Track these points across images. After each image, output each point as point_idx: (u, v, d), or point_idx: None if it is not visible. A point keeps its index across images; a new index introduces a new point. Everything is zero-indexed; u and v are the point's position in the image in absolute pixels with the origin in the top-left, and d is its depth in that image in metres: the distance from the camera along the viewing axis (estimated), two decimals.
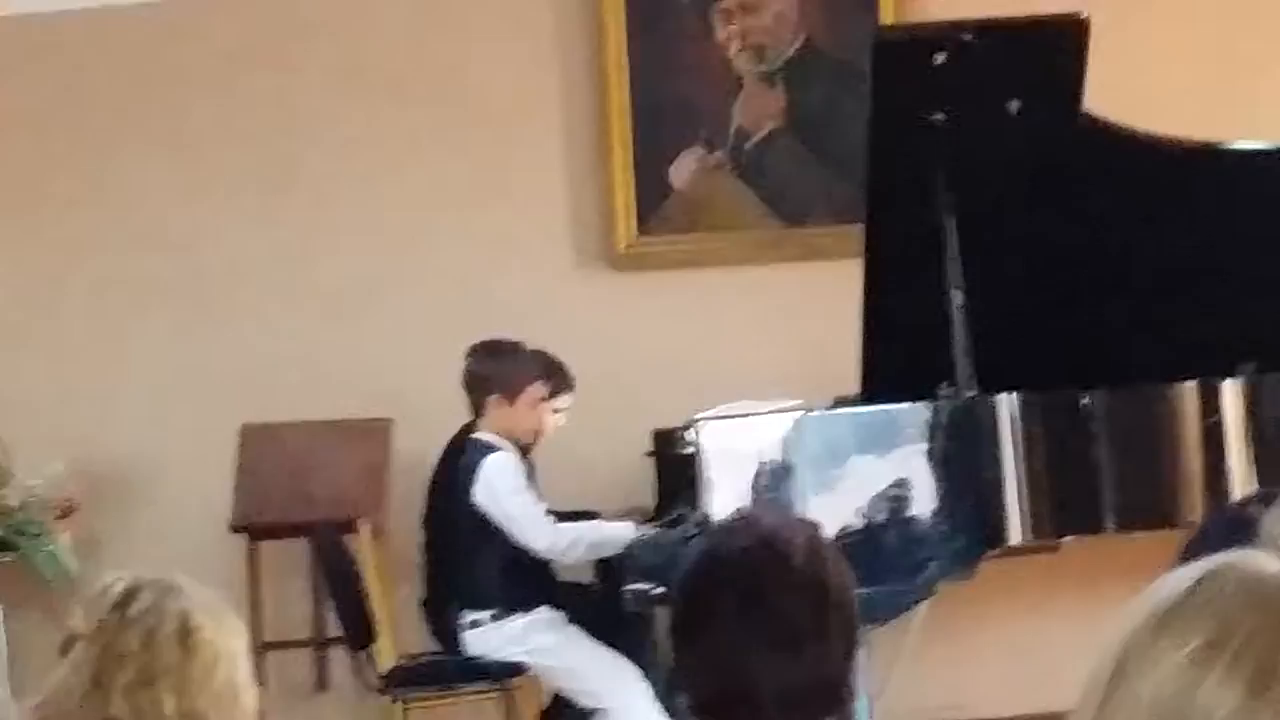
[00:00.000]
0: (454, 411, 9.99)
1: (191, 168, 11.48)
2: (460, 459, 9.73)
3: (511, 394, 9.64)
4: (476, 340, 9.88)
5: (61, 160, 11.47)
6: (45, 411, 11.14)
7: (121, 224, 11.45)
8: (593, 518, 10.01)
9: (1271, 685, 2.26)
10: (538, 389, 9.65)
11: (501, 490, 9.46)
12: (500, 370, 9.70)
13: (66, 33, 11.43)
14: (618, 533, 9.62)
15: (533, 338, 9.92)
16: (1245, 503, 4.65)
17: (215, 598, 4.07)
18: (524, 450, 9.72)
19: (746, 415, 8.69)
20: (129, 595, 3.97)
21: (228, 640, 3.98)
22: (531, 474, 9.68)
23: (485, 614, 9.60)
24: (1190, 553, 3.04)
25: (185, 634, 3.92)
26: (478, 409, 9.73)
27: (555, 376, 9.76)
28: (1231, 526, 3.45)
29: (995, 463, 8.26)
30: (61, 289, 11.45)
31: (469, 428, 9.81)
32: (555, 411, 9.91)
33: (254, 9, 11.50)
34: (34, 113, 11.49)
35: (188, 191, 11.46)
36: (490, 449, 9.55)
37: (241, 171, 11.48)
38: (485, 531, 9.48)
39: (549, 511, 9.62)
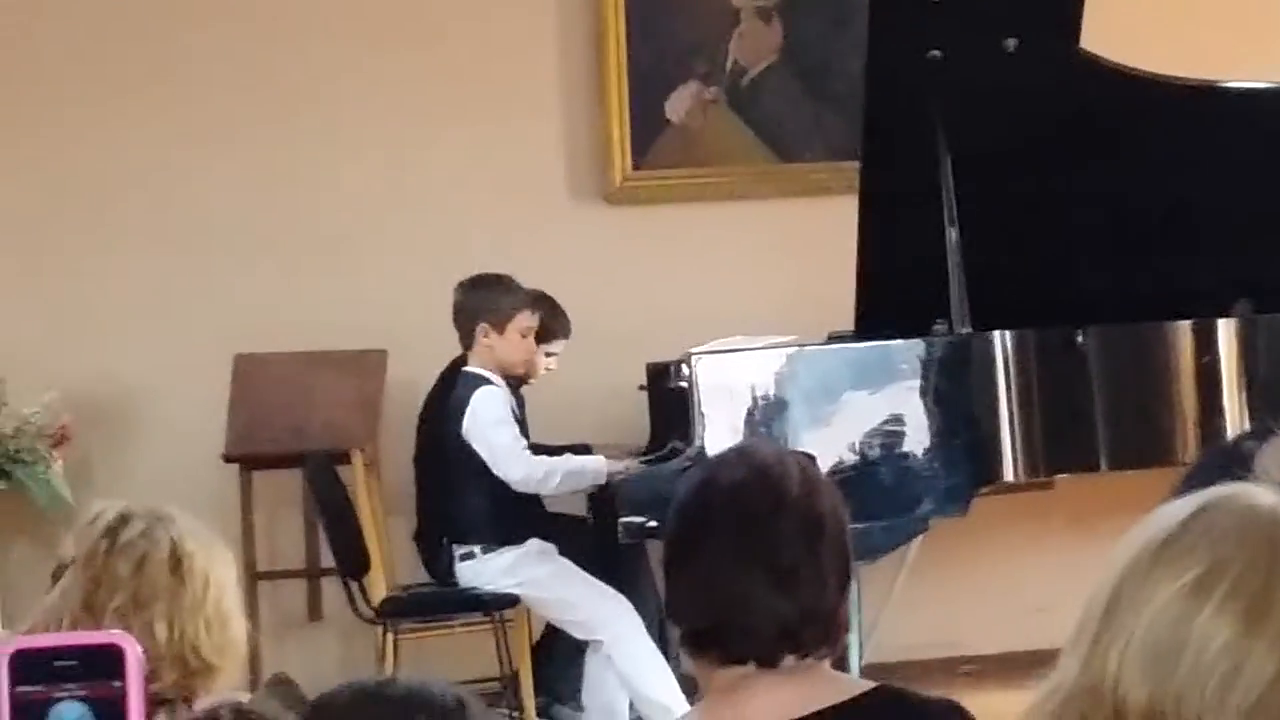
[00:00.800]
0: (447, 344, 10.00)
1: (187, 105, 11.48)
2: (451, 392, 9.73)
3: (499, 323, 9.66)
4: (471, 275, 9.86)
5: (57, 97, 11.44)
6: (39, 341, 11.14)
7: (116, 160, 11.44)
8: (586, 451, 10.00)
9: (1267, 617, 2.28)
10: (525, 318, 9.69)
11: (485, 420, 9.50)
12: (488, 300, 9.70)
13: None
14: (592, 465, 9.67)
15: (527, 272, 9.96)
16: (1240, 438, 4.65)
17: (205, 527, 4.09)
18: (516, 384, 9.72)
19: (740, 350, 8.72)
20: (120, 523, 4.01)
21: (218, 569, 4.01)
22: (520, 408, 9.68)
23: (475, 547, 9.64)
24: (1186, 487, 3.02)
25: (176, 562, 3.95)
26: (467, 342, 9.72)
27: (548, 317, 9.80)
28: (1227, 461, 3.43)
29: (989, 400, 8.33)
30: (56, 223, 11.44)
31: (460, 361, 9.80)
32: (547, 355, 9.92)
33: None
34: (27, 49, 11.44)
35: (183, 128, 11.45)
36: (480, 381, 9.58)
37: (236, 110, 11.49)
38: (474, 464, 9.51)
39: (538, 446, 9.62)
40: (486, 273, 9.83)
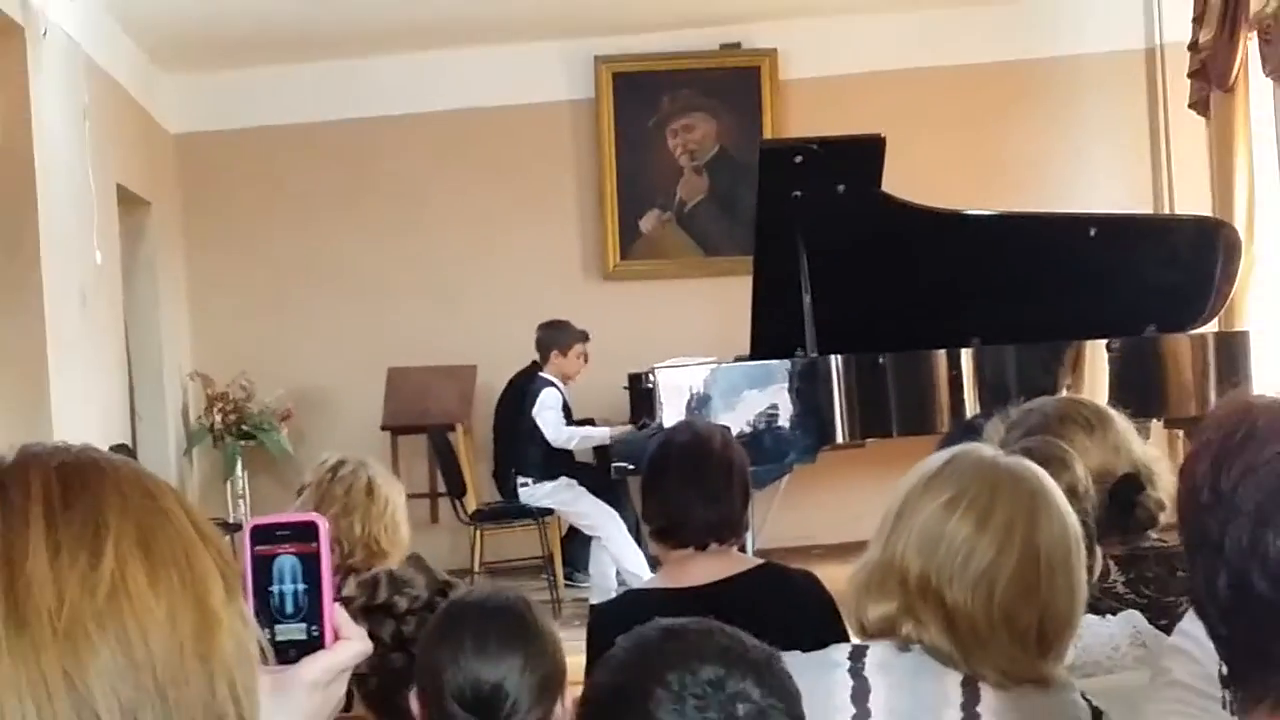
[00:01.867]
0: (510, 361, 10.03)
1: (359, 216, 11.52)
2: (527, 386, 9.77)
3: (565, 349, 9.69)
4: (531, 320, 9.92)
5: (287, 204, 11.52)
6: (276, 360, 11.18)
7: (319, 251, 11.50)
8: (593, 423, 10.03)
9: (989, 523, 2.32)
10: (579, 347, 9.72)
11: (546, 407, 9.50)
12: (559, 335, 9.74)
13: (285, 139, 11.45)
14: (600, 433, 9.69)
15: (557, 318, 9.98)
16: (974, 418, 4.67)
17: (388, 471, 4.17)
18: (565, 383, 9.81)
19: (683, 365, 8.66)
20: (338, 464, 4.08)
21: (394, 494, 4.09)
22: (567, 405, 9.72)
23: (529, 479, 9.64)
24: (944, 444, 3.08)
25: (370, 488, 4.02)
26: (544, 358, 9.77)
27: (584, 339, 9.88)
28: (967, 431, 3.48)
29: (828, 394, 8.27)
30: (283, 283, 11.49)
31: (535, 366, 9.84)
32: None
33: (391, 130, 11.49)
34: (274, 176, 11.52)
35: (358, 231, 11.54)
36: (548, 384, 9.61)
37: (388, 212, 11.65)
38: (535, 431, 9.51)
39: (571, 420, 9.66)
40: (556, 319, 9.89)
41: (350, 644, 1.43)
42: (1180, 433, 9.40)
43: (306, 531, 1.42)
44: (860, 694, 2.38)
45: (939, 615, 2.34)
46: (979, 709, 2.34)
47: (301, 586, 1.40)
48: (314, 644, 1.41)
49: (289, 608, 1.40)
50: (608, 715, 1.77)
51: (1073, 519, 2.41)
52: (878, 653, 2.41)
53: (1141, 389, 8.41)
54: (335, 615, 1.43)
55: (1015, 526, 2.34)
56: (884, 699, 2.37)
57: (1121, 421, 3.23)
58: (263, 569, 1.40)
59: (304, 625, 1.40)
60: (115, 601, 1.04)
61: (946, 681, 2.36)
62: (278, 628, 1.40)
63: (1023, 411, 3.31)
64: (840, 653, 2.45)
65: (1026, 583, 2.32)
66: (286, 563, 1.40)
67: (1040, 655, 2.35)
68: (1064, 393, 7.54)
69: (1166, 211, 11.12)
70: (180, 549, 1.09)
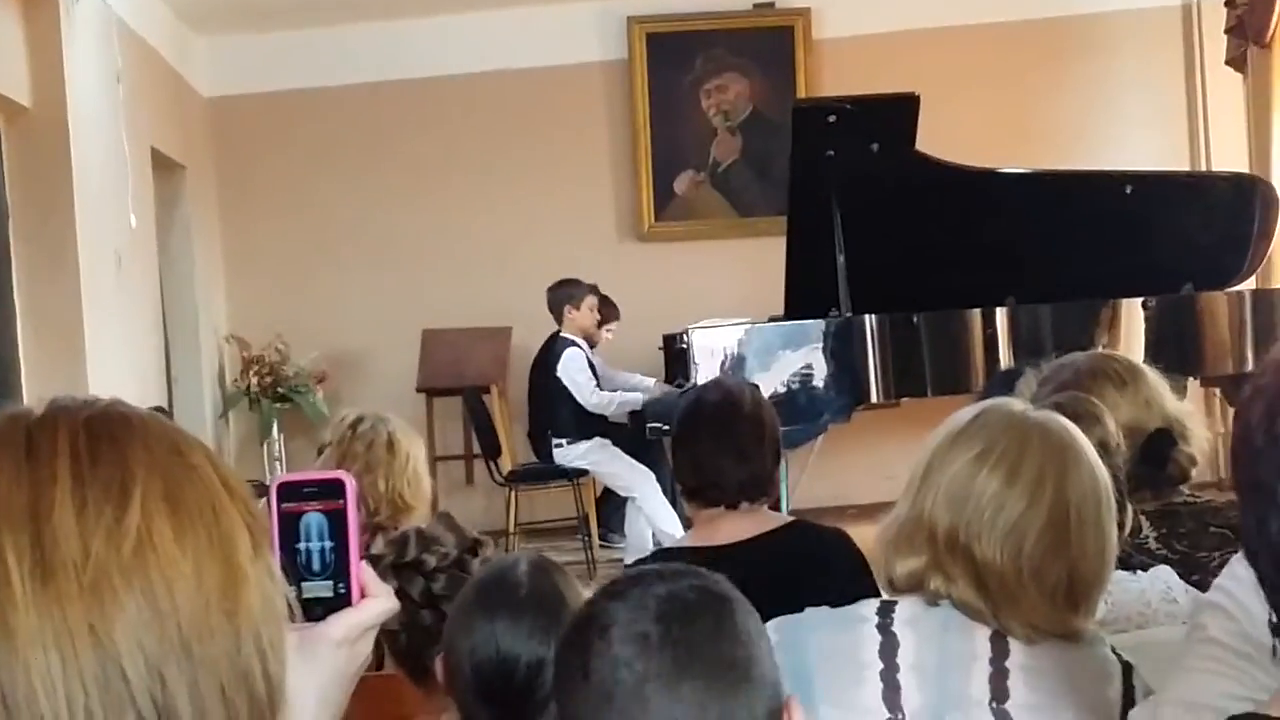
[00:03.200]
0: (545, 323, 9.99)
1: (393, 178, 11.55)
2: (552, 348, 9.77)
3: (576, 303, 9.71)
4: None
5: (323, 179, 11.51)
6: (311, 323, 11.25)
7: (353, 213, 11.53)
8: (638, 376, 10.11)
9: (1018, 477, 2.31)
10: (591, 299, 9.74)
11: (571, 369, 9.54)
12: (567, 291, 9.77)
13: (323, 101, 11.46)
14: (635, 397, 9.68)
15: (593, 282, 9.97)
16: (1008, 371, 4.66)
17: (407, 424, 4.13)
18: (591, 346, 9.79)
19: (717, 326, 8.67)
20: (358, 420, 4.08)
21: (415, 448, 4.08)
22: (592, 362, 9.72)
23: (564, 440, 9.66)
24: (985, 395, 3.08)
25: (391, 443, 4.01)
26: (558, 318, 9.77)
27: (605, 308, 9.86)
28: (1002, 384, 3.46)
29: (862, 354, 8.25)
30: (321, 249, 11.52)
31: (557, 332, 9.84)
32: (607, 330, 9.97)
33: (425, 92, 11.49)
34: (300, 150, 11.53)
35: (392, 193, 11.55)
36: (569, 344, 9.63)
37: (425, 179, 11.58)
38: (565, 393, 9.54)
39: (607, 377, 9.72)
40: (564, 278, 9.89)
41: (377, 601, 1.42)
42: (1217, 390, 9.37)
43: (333, 488, 1.42)
44: (889, 649, 2.37)
45: (968, 570, 2.33)
46: (1007, 663, 2.33)
47: (328, 544, 1.41)
48: (341, 601, 1.40)
49: (316, 565, 1.40)
50: (565, 654, 1.78)
51: (1103, 473, 2.40)
52: (906, 608, 2.40)
53: (1178, 347, 8.40)
54: (362, 573, 1.42)
55: (1045, 480, 2.33)
56: (913, 653, 2.36)
57: (1153, 376, 3.20)
58: (289, 526, 1.41)
59: (331, 583, 1.41)
60: (141, 556, 1.04)
61: (975, 636, 2.35)
62: (304, 585, 1.40)
63: (1054, 366, 3.28)
64: (869, 608, 2.44)
65: (1056, 537, 2.31)
66: (313, 520, 1.41)
67: (1070, 610, 2.34)
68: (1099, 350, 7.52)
69: (1203, 169, 11.07)
70: (207, 504, 1.09)
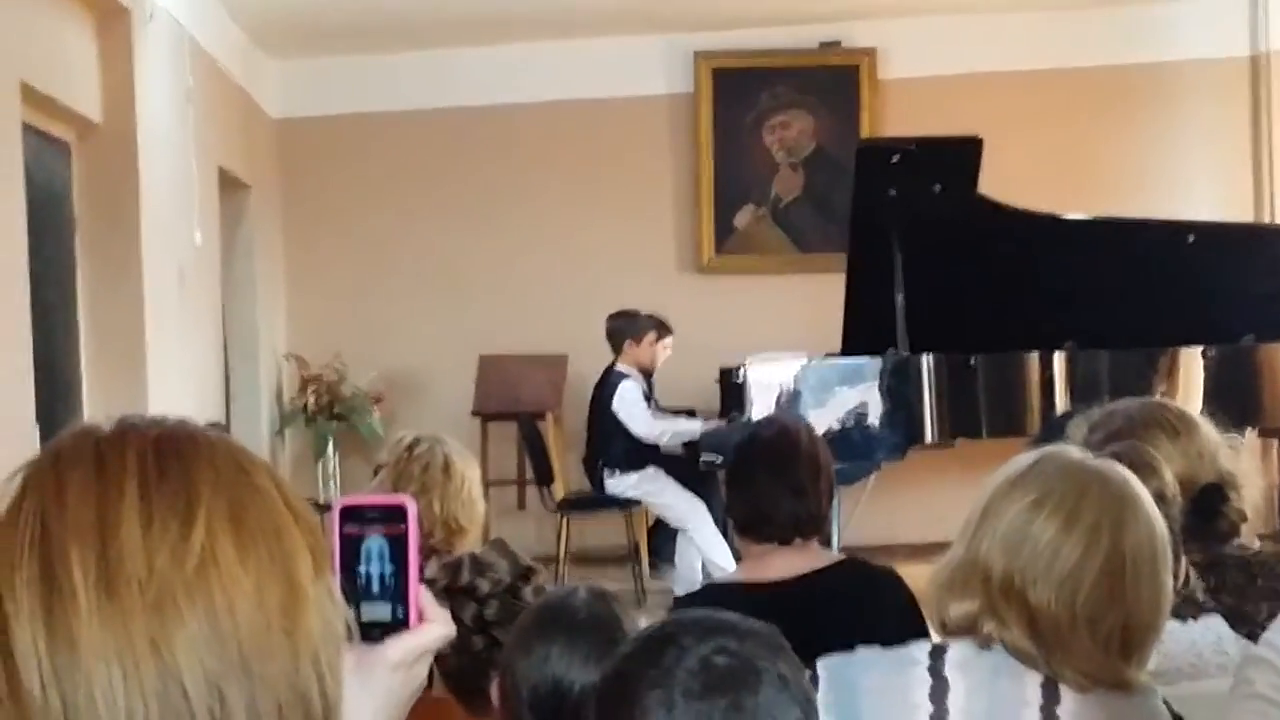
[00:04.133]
0: (601, 352, 9.97)
1: (455, 204, 11.64)
2: (608, 381, 9.76)
3: (637, 338, 9.69)
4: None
5: (385, 202, 11.60)
6: (369, 344, 11.30)
7: (415, 237, 11.60)
8: (691, 414, 10.06)
9: (1076, 523, 2.31)
10: (652, 335, 9.70)
11: (626, 401, 9.50)
12: (629, 324, 9.75)
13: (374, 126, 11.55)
14: (691, 427, 9.63)
15: (653, 311, 9.96)
16: (1062, 417, 4.66)
17: (462, 446, 4.13)
18: (646, 375, 9.78)
19: (774, 360, 8.67)
20: (415, 442, 4.08)
21: (470, 471, 4.07)
22: (649, 391, 9.71)
23: (617, 469, 9.64)
24: (1038, 442, 3.07)
25: (447, 465, 4.00)
26: (617, 350, 9.76)
27: (661, 327, 9.81)
28: (1060, 427, 3.45)
29: (918, 393, 8.25)
30: (383, 278, 11.62)
31: (613, 365, 9.84)
32: (664, 348, 9.98)
33: (489, 120, 11.55)
34: (364, 173, 11.61)
35: (453, 219, 11.64)
36: (624, 376, 9.60)
37: (481, 207, 11.62)
38: (618, 424, 9.52)
39: (659, 412, 9.68)
40: (626, 309, 9.89)
41: (435, 626, 1.43)
42: (1276, 441, 9.29)
43: (396, 513, 1.43)
44: (939, 692, 2.37)
45: (1022, 615, 2.32)
46: (1059, 710, 2.32)
47: (389, 568, 1.41)
48: (399, 625, 1.41)
49: (375, 588, 1.41)
50: (608, 699, 1.79)
51: (1160, 523, 2.39)
52: (957, 651, 2.40)
53: (1237, 397, 8.34)
54: (421, 597, 1.43)
55: (1102, 528, 2.32)
56: (963, 698, 2.37)
57: (1206, 427, 3.18)
58: (351, 549, 1.42)
59: (390, 606, 1.41)
60: (204, 574, 1.06)
61: (1026, 682, 2.35)
62: (364, 608, 1.41)
63: (1105, 412, 3.26)
64: (920, 650, 2.44)
65: (1111, 585, 2.31)
66: (375, 544, 1.41)
67: (1123, 659, 2.33)
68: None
69: (1267, 220, 11.01)
70: (270, 525, 1.11)
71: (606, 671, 1.84)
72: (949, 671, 2.39)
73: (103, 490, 1.07)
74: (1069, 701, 2.33)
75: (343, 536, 1.41)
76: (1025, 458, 2.47)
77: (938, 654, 2.41)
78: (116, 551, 1.04)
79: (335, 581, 1.18)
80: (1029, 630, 2.32)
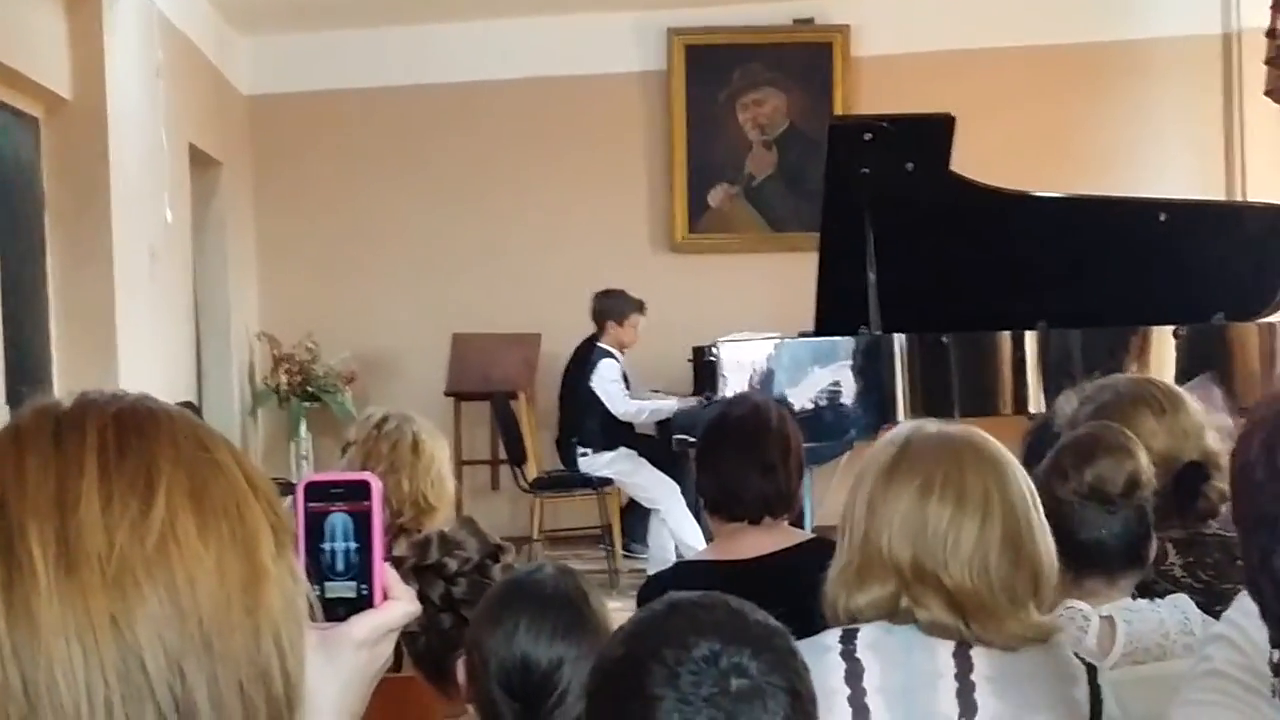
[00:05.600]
0: (575, 331, 10.00)
1: (428, 182, 11.58)
2: (587, 357, 9.77)
3: (621, 319, 9.69)
4: (596, 290, 9.91)
5: (358, 180, 11.56)
6: (342, 323, 11.28)
7: (387, 215, 11.55)
8: (660, 394, 10.08)
9: (967, 501, 2.37)
10: (635, 317, 9.71)
11: (605, 379, 9.52)
12: (615, 304, 9.74)
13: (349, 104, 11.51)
14: (667, 406, 9.65)
15: (625, 290, 9.96)
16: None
17: (432, 425, 4.14)
18: (621, 350, 9.80)
19: (746, 340, 8.67)
20: (383, 420, 4.06)
21: (439, 450, 4.08)
22: (625, 374, 9.72)
23: (590, 449, 9.66)
24: (1025, 452, 3.12)
25: (415, 444, 4.00)
26: (600, 328, 9.77)
27: (641, 308, 9.80)
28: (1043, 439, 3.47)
29: (890, 373, 8.26)
30: (356, 256, 11.58)
31: (593, 339, 9.84)
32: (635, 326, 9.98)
33: (462, 97, 11.53)
34: (336, 150, 11.57)
35: (426, 197, 11.58)
36: (606, 354, 9.61)
37: (454, 185, 11.57)
38: (595, 402, 9.53)
39: (631, 394, 9.69)
40: (612, 288, 9.88)
41: (399, 604, 1.42)
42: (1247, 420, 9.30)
43: (359, 490, 1.42)
44: (854, 675, 2.42)
45: (939, 595, 2.40)
46: (973, 676, 2.40)
47: (353, 545, 1.41)
48: (363, 603, 1.41)
49: (339, 566, 1.41)
50: (608, 689, 1.78)
51: (1021, 469, 2.50)
52: (868, 633, 2.45)
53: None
54: (385, 575, 1.42)
55: (992, 496, 2.41)
56: (878, 677, 2.42)
57: (1194, 407, 3.19)
58: (315, 526, 1.41)
59: (354, 584, 1.41)
60: (164, 550, 1.05)
61: (938, 654, 2.42)
62: (327, 585, 1.40)
63: (1096, 386, 3.29)
64: (831, 636, 2.47)
65: (1016, 547, 2.40)
66: (338, 520, 1.41)
67: (1038, 606, 2.44)
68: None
69: (1239, 199, 11.04)
70: (232, 501, 1.10)
71: (609, 652, 1.83)
72: (861, 653, 2.43)
73: (62, 466, 1.06)
74: (982, 665, 2.40)
75: (307, 513, 1.41)
76: (887, 447, 2.52)
77: (849, 638, 2.45)
78: (76, 528, 1.04)
79: (298, 559, 1.18)
80: (950, 607, 2.39)
